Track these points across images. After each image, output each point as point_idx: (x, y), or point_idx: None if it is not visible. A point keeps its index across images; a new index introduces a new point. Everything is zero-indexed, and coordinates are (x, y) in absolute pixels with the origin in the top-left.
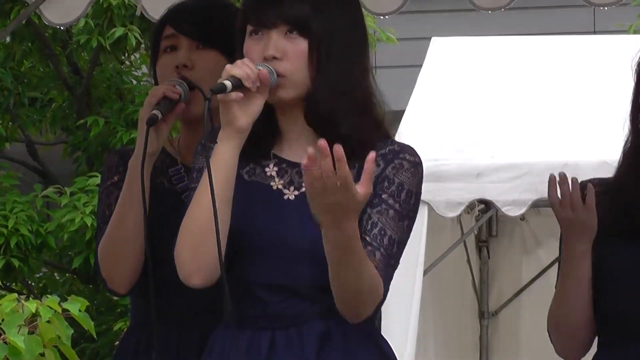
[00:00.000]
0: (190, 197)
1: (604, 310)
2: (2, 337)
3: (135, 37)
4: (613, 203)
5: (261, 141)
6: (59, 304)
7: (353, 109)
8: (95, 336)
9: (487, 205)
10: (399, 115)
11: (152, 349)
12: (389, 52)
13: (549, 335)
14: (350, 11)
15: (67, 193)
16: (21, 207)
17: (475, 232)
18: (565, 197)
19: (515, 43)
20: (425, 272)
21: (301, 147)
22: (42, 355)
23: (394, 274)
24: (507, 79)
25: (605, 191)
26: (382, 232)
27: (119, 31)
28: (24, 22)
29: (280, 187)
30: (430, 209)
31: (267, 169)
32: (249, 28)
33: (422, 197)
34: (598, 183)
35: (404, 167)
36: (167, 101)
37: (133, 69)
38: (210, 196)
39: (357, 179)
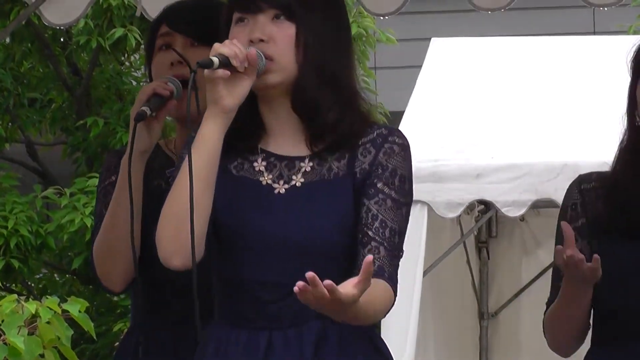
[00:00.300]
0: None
1: (601, 308)
2: (1, 338)
3: (135, 38)
4: (609, 200)
5: (247, 135)
6: (59, 304)
7: (339, 100)
8: (95, 337)
9: (486, 206)
10: (398, 115)
11: (145, 348)
12: (389, 53)
13: (544, 334)
14: (335, 7)
15: (67, 194)
16: (21, 207)
17: (475, 233)
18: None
19: (515, 44)
20: (425, 273)
21: (287, 140)
22: (42, 356)
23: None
24: (507, 80)
25: (602, 186)
26: (383, 224)
27: (118, 32)
28: (23, 22)
29: (269, 182)
30: (430, 210)
31: (255, 164)
32: (235, 16)
33: (422, 197)
34: (596, 178)
35: (395, 152)
36: (158, 98)
37: (133, 69)
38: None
39: (344, 175)
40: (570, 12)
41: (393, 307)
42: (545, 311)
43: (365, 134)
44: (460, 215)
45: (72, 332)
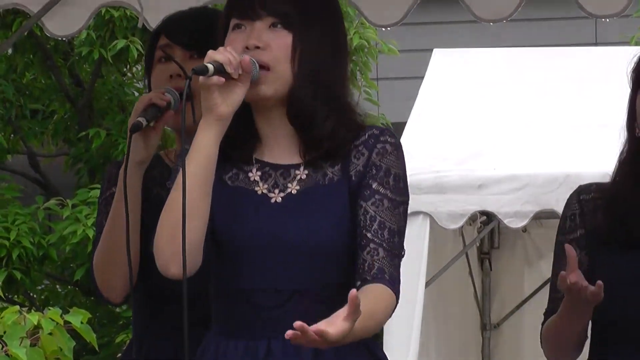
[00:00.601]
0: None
1: (600, 318)
2: (4, 349)
3: (137, 49)
4: (608, 211)
5: (242, 145)
6: (61, 316)
7: (334, 111)
8: (97, 348)
9: (489, 217)
10: (400, 126)
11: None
12: (391, 64)
13: (541, 344)
14: (332, 16)
15: (69, 205)
16: (23, 219)
17: (477, 244)
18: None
19: (517, 55)
20: (427, 284)
21: (282, 148)
22: None
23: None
24: (509, 91)
25: (602, 197)
26: (382, 225)
27: (120, 43)
28: (26, 34)
29: (265, 191)
30: (433, 221)
31: (250, 174)
32: (233, 22)
33: (424, 208)
34: (596, 189)
35: (387, 151)
36: (155, 108)
37: (135, 80)
38: (189, 185)
39: (339, 179)
40: (572, 23)
41: (396, 318)
42: (543, 322)
43: (357, 137)
44: (462, 227)
45: (74, 344)
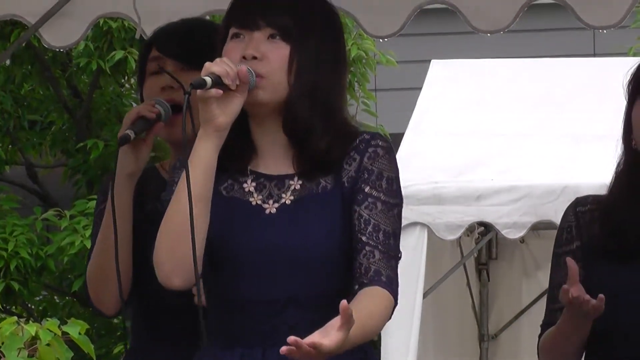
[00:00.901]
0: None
1: (596, 328)
2: None
3: (135, 60)
4: (604, 223)
5: (238, 157)
6: (59, 327)
7: (330, 127)
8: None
9: (486, 227)
10: (398, 137)
11: None
12: (389, 75)
13: (538, 356)
14: (332, 30)
15: (67, 216)
16: (21, 230)
17: (475, 255)
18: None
19: (515, 65)
20: (425, 295)
21: (277, 159)
22: None
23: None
24: (507, 102)
25: (598, 209)
26: (376, 228)
27: (118, 54)
28: (23, 45)
29: (259, 202)
30: (430, 232)
31: (244, 185)
32: (232, 31)
33: (422, 219)
34: (592, 201)
35: (379, 155)
36: (143, 121)
37: (133, 92)
38: (187, 197)
39: (332, 187)
40: (570, 34)
41: (393, 329)
42: (540, 333)
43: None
44: (460, 237)
45: (72, 354)
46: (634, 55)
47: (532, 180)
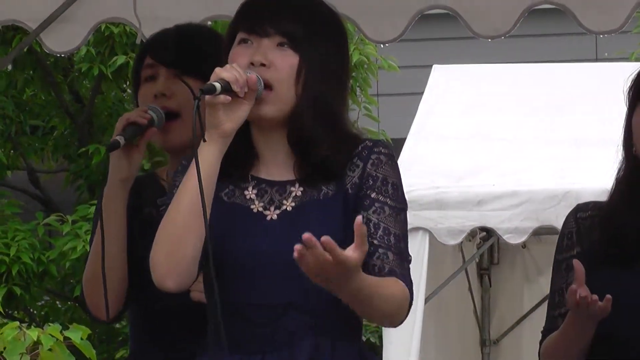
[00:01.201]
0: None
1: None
2: None
3: None
4: (604, 229)
5: (240, 163)
6: (61, 332)
7: (334, 137)
8: None
9: (488, 232)
10: (400, 142)
11: None
12: (391, 80)
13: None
14: (339, 41)
15: (69, 221)
16: (23, 235)
17: (477, 260)
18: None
19: (516, 70)
20: (426, 300)
21: (279, 165)
22: None
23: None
24: (509, 107)
25: (599, 215)
26: (387, 231)
27: (120, 59)
28: (25, 50)
29: (260, 209)
30: (432, 237)
31: (246, 192)
32: (240, 36)
33: (423, 224)
34: (593, 207)
35: (382, 162)
36: (134, 127)
37: None
38: (188, 200)
39: (334, 194)
40: (572, 39)
41: (395, 334)
42: (541, 340)
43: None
44: (461, 242)
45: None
46: (636, 60)
47: (534, 185)
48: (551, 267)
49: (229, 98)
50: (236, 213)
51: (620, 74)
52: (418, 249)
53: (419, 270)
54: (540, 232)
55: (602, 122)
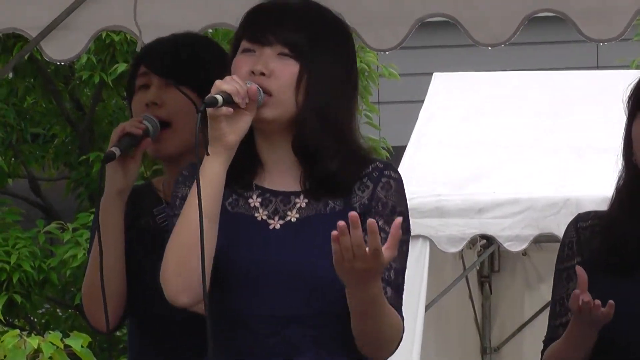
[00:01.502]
0: (172, 223)
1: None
2: None
3: None
4: (605, 238)
5: (243, 171)
6: (62, 339)
7: (341, 149)
8: None
9: (489, 240)
10: (401, 150)
11: None
12: (391, 88)
13: None
14: (345, 50)
15: (70, 229)
16: (23, 243)
17: (477, 268)
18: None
19: (517, 78)
20: (427, 308)
21: (283, 175)
22: None
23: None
24: (509, 115)
25: (599, 224)
26: (389, 266)
27: (121, 67)
28: (26, 58)
29: (264, 217)
30: (432, 245)
31: (250, 200)
32: (243, 45)
33: (424, 232)
34: (594, 216)
35: (392, 188)
36: (129, 137)
37: None
38: (196, 214)
39: (343, 214)
40: (573, 47)
41: None
42: (543, 349)
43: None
44: (462, 250)
45: None
46: (637, 67)
47: (534, 193)
48: (552, 275)
49: (232, 110)
50: (240, 222)
51: (621, 81)
52: (418, 256)
53: (419, 277)
54: (540, 240)
55: (603, 130)
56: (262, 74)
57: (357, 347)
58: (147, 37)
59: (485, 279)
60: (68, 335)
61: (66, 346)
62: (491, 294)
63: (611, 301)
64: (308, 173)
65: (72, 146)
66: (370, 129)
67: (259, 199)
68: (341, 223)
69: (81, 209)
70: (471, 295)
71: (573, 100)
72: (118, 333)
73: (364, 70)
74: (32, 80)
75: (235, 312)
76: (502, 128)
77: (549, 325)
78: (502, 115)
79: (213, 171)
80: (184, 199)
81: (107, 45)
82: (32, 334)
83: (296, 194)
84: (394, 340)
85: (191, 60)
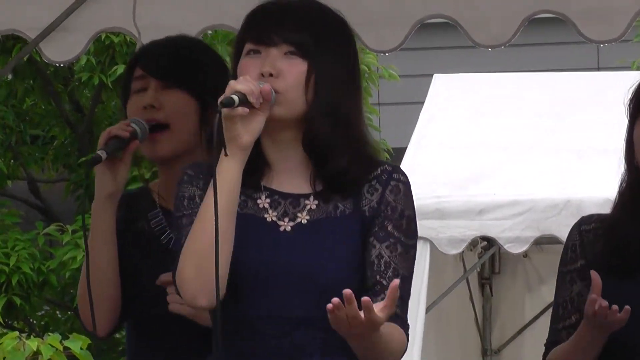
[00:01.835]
0: (180, 224)
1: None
2: None
3: None
4: (607, 240)
5: (251, 173)
6: (61, 342)
7: (350, 146)
8: None
9: (489, 242)
10: (401, 152)
11: None
12: (392, 89)
13: None
14: (347, 48)
15: (69, 231)
16: (23, 245)
17: (478, 269)
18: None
19: (517, 79)
20: (427, 310)
21: (291, 177)
22: None
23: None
24: (510, 116)
25: (602, 227)
26: (396, 272)
27: (120, 68)
28: (25, 59)
29: (274, 218)
30: (433, 246)
31: (259, 201)
32: (248, 47)
33: (425, 234)
34: (597, 219)
35: (401, 191)
36: (117, 140)
37: None
38: (212, 217)
39: (353, 217)
40: (573, 48)
41: None
42: (544, 353)
43: (370, 172)
44: (463, 252)
45: None
46: (638, 69)
47: (535, 194)
48: (553, 277)
49: (247, 110)
50: (249, 223)
51: (622, 83)
52: (419, 258)
53: (420, 279)
54: (541, 242)
55: (604, 131)
56: (271, 75)
57: None
58: (147, 39)
59: (485, 281)
60: (67, 337)
61: (65, 348)
62: (492, 295)
63: (627, 307)
64: (318, 171)
65: (72, 148)
66: (370, 130)
67: (268, 200)
68: (335, 300)
69: (80, 210)
70: (472, 297)
71: (574, 101)
72: (117, 335)
73: (364, 72)
74: (31, 81)
75: (241, 312)
76: (502, 129)
77: (550, 328)
78: (502, 117)
79: (230, 172)
80: (191, 199)
81: (106, 47)
82: (32, 336)
83: (306, 196)
84: (397, 355)
85: (189, 62)
